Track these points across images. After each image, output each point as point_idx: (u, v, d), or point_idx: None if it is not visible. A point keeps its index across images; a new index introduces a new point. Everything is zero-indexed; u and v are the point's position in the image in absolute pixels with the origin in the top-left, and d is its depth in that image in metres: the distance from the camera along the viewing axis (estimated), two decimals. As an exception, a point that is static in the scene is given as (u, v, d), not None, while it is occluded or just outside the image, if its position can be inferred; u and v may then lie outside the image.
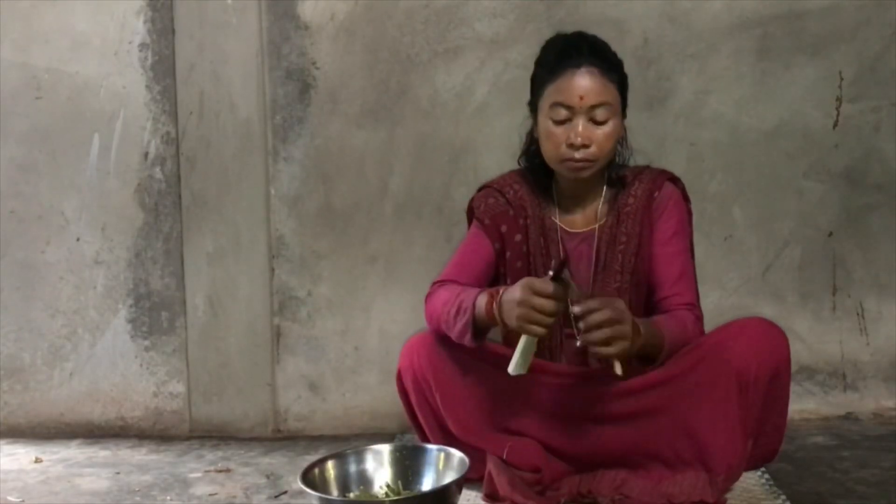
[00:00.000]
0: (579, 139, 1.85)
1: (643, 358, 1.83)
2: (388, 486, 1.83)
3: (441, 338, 1.95)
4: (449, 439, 1.94)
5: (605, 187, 2.00)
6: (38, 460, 2.45)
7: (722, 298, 2.54)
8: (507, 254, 2.00)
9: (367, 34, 2.62)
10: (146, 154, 2.69)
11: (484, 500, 1.89)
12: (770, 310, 2.47)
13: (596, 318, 1.67)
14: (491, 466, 1.89)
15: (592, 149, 1.87)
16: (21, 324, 2.74)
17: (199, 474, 2.29)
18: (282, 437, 2.63)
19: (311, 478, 1.75)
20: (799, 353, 2.51)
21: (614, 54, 1.94)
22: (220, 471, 2.31)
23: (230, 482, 2.22)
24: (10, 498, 2.13)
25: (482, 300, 1.80)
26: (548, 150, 1.92)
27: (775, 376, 1.82)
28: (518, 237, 2.00)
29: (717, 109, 2.57)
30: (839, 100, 2.55)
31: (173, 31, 2.63)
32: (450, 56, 2.60)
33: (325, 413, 2.67)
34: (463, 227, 2.59)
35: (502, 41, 2.58)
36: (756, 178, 2.57)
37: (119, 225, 2.70)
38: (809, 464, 2.15)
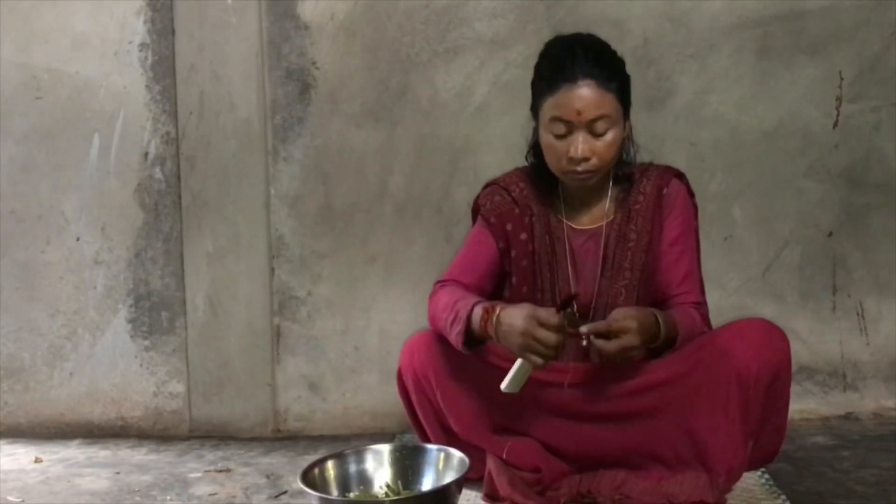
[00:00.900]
0: (580, 154, 1.84)
1: (652, 349, 1.84)
2: (387, 486, 1.83)
3: (441, 337, 1.95)
4: (450, 438, 1.94)
5: (611, 185, 1.99)
6: (38, 460, 2.45)
7: (722, 298, 2.54)
8: (513, 252, 1.99)
9: (367, 34, 2.62)
10: (146, 154, 2.69)
11: (484, 499, 1.90)
12: (770, 310, 2.47)
13: (608, 348, 1.73)
14: (491, 466, 1.89)
15: (594, 160, 1.85)
16: (21, 324, 2.74)
17: (199, 474, 2.29)
18: (282, 437, 2.63)
19: (311, 478, 1.74)
20: (799, 353, 2.51)
21: (612, 57, 1.90)
22: (220, 471, 2.31)
23: (230, 482, 2.22)
24: (10, 498, 2.13)
25: (477, 313, 1.79)
26: (550, 162, 1.91)
27: (776, 377, 1.82)
28: (524, 235, 1.99)
29: (717, 109, 2.57)
30: (839, 100, 2.55)
31: (173, 31, 2.64)
32: (450, 56, 2.60)
33: (325, 413, 2.67)
34: (463, 227, 2.59)
35: (502, 41, 2.58)
36: (756, 178, 2.57)
37: (119, 225, 2.70)
38: (809, 464, 2.16)
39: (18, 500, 2.13)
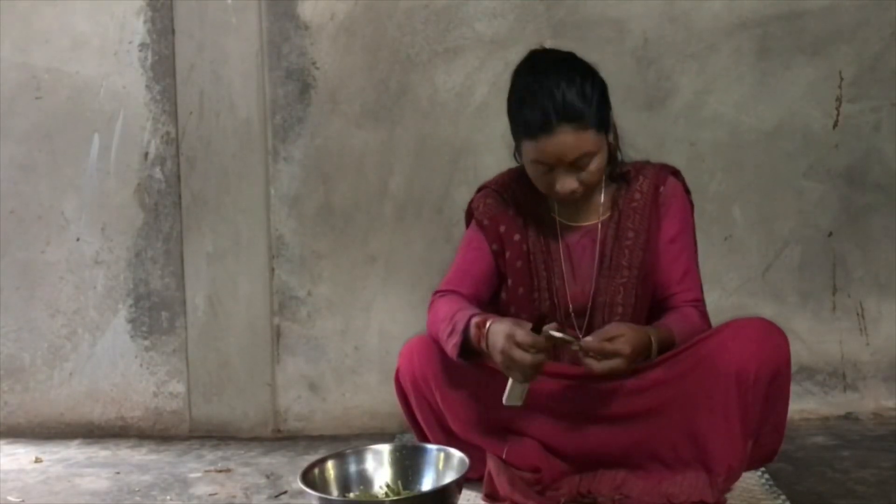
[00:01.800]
0: (566, 189, 1.85)
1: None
2: (387, 486, 1.83)
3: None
4: (449, 439, 1.94)
5: (604, 182, 1.99)
6: (38, 460, 2.45)
7: (722, 298, 2.54)
8: (507, 254, 1.99)
9: (367, 34, 2.62)
10: (146, 154, 2.69)
11: (484, 499, 1.89)
12: (770, 310, 2.47)
13: (595, 368, 1.73)
14: (491, 466, 1.89)
15: (580, 189, 1.86)
16: (21, 324, 2.74)
17: (199, 474, 2.29)
18: (282, 437, 2.63)
19: (311, 478, 1.74)
20: (799, 353, 2.51)
21: (585, 85, 1.83)
22: (220, 471, 2.31)
23: (230, 482, 2.22)
24: (10, 498, 2.13)
25: (473, 327, 1.79)
26: (537, 186, 1.91)
27: (775, 376, 1.81)
28: (517, 236, 1.99)
29: (717, 109, 2.57)
30: (839, 100, 2.55)
31: (173, 31, 2.63)
32: (450, 56, 2.60)
33: (325, 413, 2.67)
34: (463, 228, 2.59)
35: (502, 41, 2.58)
36: (756, 178, 2.57)
37: (119, 225, 2.70)
38: (809, 464, 2.15)
39: (18, 500, 2.13)
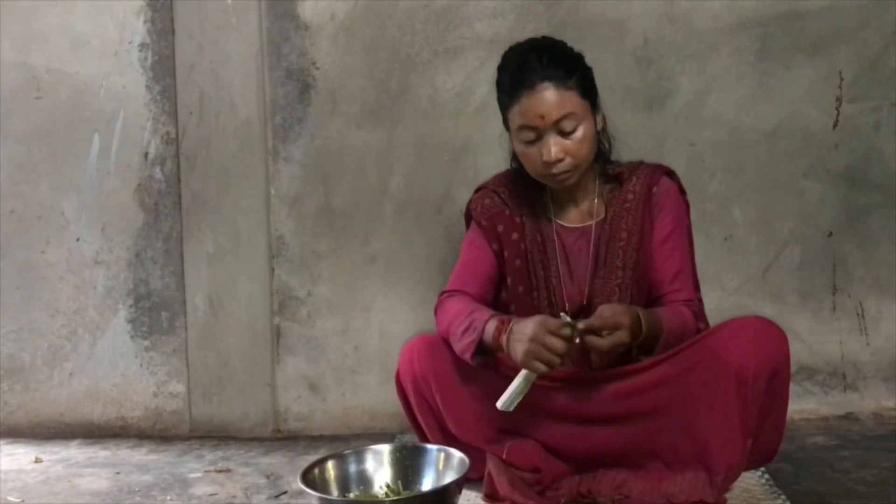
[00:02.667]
0: (552, 156, 1.85)
1: (641, 347, 1.84)
2: (387, 486, 1.83)
3: (438, 340, 1.95)
4: (449, 440, 1.94)
5: (598, 183, 2.00)
6: (38, 460, 2.45)
7: (722, 298, 2.54)
8: (506, 253, 2.00)
9: (367, 34, 2.62)
10: (146, 154, 2.69)
11: (484, 500, 1.90)
12: (770, 310, 2.47)
13: (602, 344, 1.74)
14: (491, 466, 1.89)
15: (568, 160, 1.87)
16: (21, 324, 2.74)
17: (199, 474, 2.29)
18: (282, 437, 2.63)
19: (311, 478, 1.74)
20: (799, 353, 2.51)
21: (568, 54, 1.91)
22: (220, 471, 2.31)
23: (230, 482, 2.22)
24: (10, 498, 2.13)
25: (492, 325, 1.80)
26: (527, 167, 1.93)
27: (774, 375, 1.82)
28: (515, 235, 2.00)
29: (717, 109, 2.56)
30: (839, 100, 2.55)
31: (173, 31, 2.63)
32: (450, 56, 2.60)
33: (325, 413, 2.67)
34: (463, 228, 2.59)
35: (502, 41, 2.56)
36: (756, 178, 2.57)
37: (119, 225, 2.70)
38: (809, 464, 2.15)
39: (18, 500, 2.13)
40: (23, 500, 2.12)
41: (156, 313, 2.70)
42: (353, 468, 1.83)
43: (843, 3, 2.52)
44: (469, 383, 1.92)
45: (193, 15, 2.61)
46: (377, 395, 2.63)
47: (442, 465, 1.80)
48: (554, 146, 1.85)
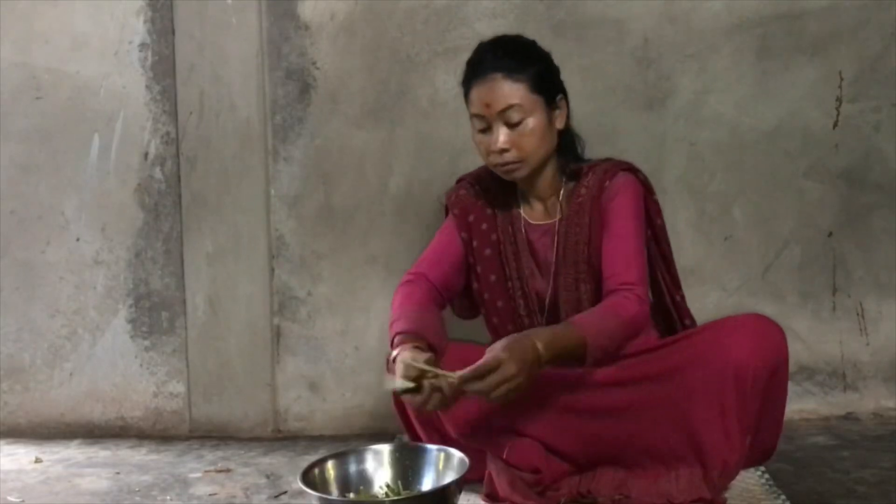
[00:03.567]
0: (497, 145, 1.89)
1: (574, 359, 1.78)
2: (387, 486, 1.82)
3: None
4: (446, 443, 1.94)
5: (563, 181, 2.01)
6: (38, 460, 2.45)
7: (722, 298, 2.54)
8: (475, 242, 2.04)
9: (367, 34, 2.62)
10: (146, 154, 2.69)
11: (484, 500, 1.90)
12: (770, 310, 2.45)
13: (484, 387, 1.66)
14: (491, 467, 1.89)
15: (513, 152, 1.89)
16: (21, 324, 2.74)
17: (199, 474, 2.29)
18: (282, 437, 2.63)
19: (311, 478, 1.74)
20: (799, 353, 2.51)
21: (527, 49, 1.95)
22: (220, 471, 2.31)
23: (230, 482, 2.22)
24: (10, 498, 2.13)
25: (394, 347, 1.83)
26: (481, 157, 1.97)
27: (773, 372, 1.81)
28: (485, 226, 2.04)
29: (717, 109, 2.56)
30: (839, 100, 2.55)
31: (173, 31, 2.63)
32: (450, 56, 2.60)
33: (325, 413, 2.67)
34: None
35: (502, 41, 2.58)
36: (756, 178, 2.57)
37: (119, 225, 2.70)
38: (809, 464, 2.15)
39: (18, 500, 2.13)
40: (23, 500, 2.12)
41: (156, 313, 2.70)
42: (353, 468, 1.83)
43: (843, 3, 2.52)
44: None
45: (193, 15, 2.61)
46: (377, 395, 2.62)
47: (442, 465, 1.80)
48: (501, 135, 1.89)
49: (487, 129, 1.90)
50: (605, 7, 2.55)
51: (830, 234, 2.57)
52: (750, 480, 1.96)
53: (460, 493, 1.73)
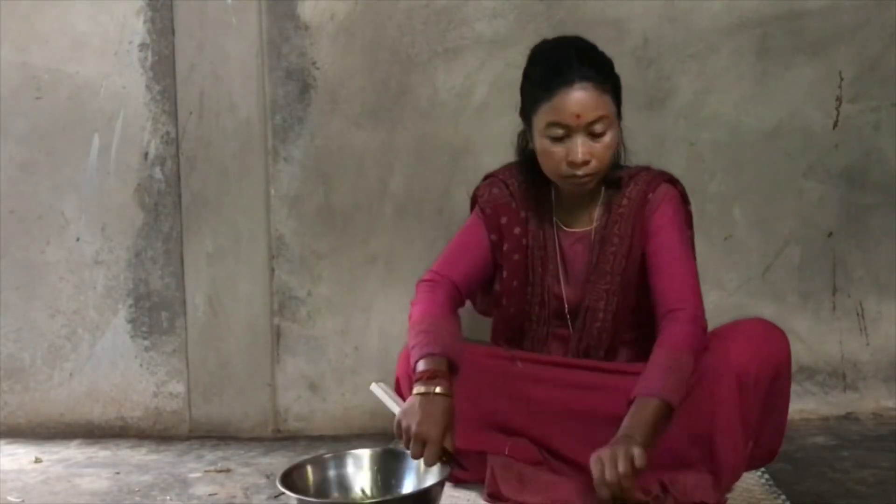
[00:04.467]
0: (580, 158, 1.82)
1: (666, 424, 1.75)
2: (363, 491, 1.80)
3: None
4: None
5: (602, 188, 1.98)
6: (38, 460, 2.45)
7: (722, 298, 2.54)
8: (505, 246, 2.00)
9: (367, 34, 2.62)
10: (146, 154, 2.69)
11: (486, 500, 1.89)
12: (770, 310, 2.47)
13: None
14: (495, 466, 1.89)
15: (593, 163, 1.84)
16: (21, 324, 2.74)
17: (199, 474, 2.29)
18: (282, 437, 2.63)
19: (290, 482, 1.73)
20: (799, 353, 2.51)
21: (603, 57, 1.90)
22: (220, 471, 2.31)
23: (230, 482, 2.22)
24: (10, 498, 2.13)
25: (418, 374, 1.80)
26: (547, 168, 1.89)
27: (776, 377, 1.82)
28: (517, 229, 1.99)
29: (717, 109, 2.56)
30: (839, 100, 2.55)
31: (173, 31, 2.63)
32: (450, 56, 2.60)
33: (325, 413, 2.67)
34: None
35: (502, 41, 2.58)
36: (756, 178, 2.57)
37: (119, 225, 2.70)
38: (809, 464, 2.15)
39: (18, 500, 2.13)
40: (23, 500, 2.12)
41: (156, 313, 2.70)
42: (332, 472, 1.81)
43: (843, 3, 2.52)
44: (464, 387, 1.90)
45: (193, 15, 2.61)
46: (377, 395, 2.62)
47: (423, 470, 1.78)
48: (582, 146, 1.82)
49: (563, 139, 1.83)
50: (604, 7, 2.55)
51: (830, 235, 2.57)
52: (750, 481, 1.96)
53: (440, 496, 1.71)
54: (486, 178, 2.08)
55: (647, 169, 2.00)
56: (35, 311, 2.73)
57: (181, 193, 2.66)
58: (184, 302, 2.67)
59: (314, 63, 2.64)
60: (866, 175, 2.56)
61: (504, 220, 2.00)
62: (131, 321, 2.71)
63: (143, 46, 2.66)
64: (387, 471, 1.82)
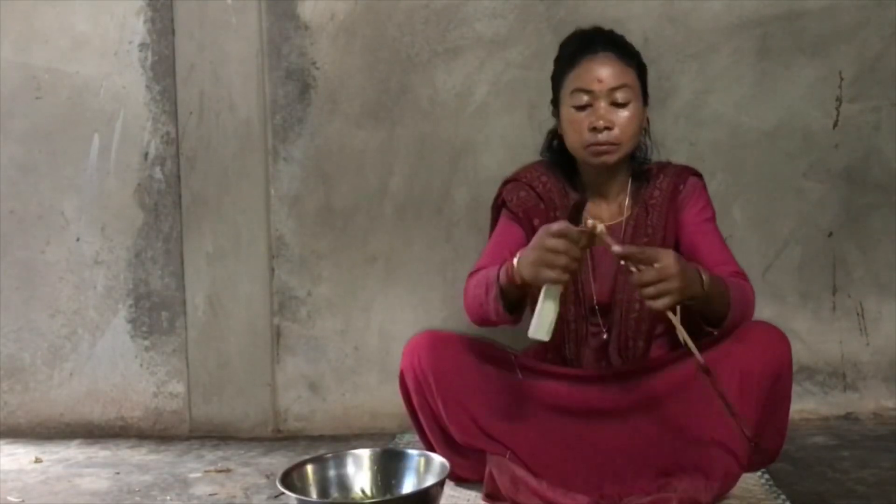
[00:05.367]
0: (601, 122, 1.88)
1: (707, 319, 1.79)
2: (363, 491, 1.81)
3: (443, 338, 1.95)
4: (448, 441, 1.94)
5: (630, 180, 2.01)
6: (38, 460, 2.45)
7: (722, 298, 2.54)
8: None
9: (367, 34, 2.62)
10: (146, 154, 2.69)
11: (484, 499, 1.89)
12: (770, 310, 2.47)
13: (644, 278, 1.62)
14: (492, 466, 1.89)
15: (615, 131, 1.89)
16: (21, 324, 2.74)
17: (199, 474, 2.29)
18: (282, 437, 2.63)
19: (290, 481, 1.74)
20: (799, 353, 2.50)
21: (631, 45, 1.99)
22: (220, 471, 2.31)
23: (230, 482, 2.22)
24: (10, 498, 2.13)
25: (503, 270, 1.77)
26: (571, 137, 1.94)
27: (777, 380, 1.82)
28: None
29: (717, 109, 2.57)
30: (839, 100, 2.55)
31: (173, 31, 2.63)
32: (450, 56, 2.60)
33: (325, 413, 2.67)
34: (463, 227, 2.60)
35: (502, 41, 2.58)
36: (756, 178, 2.57)
37: (119, 225, 2.70)
38: (809, 464, 2.15)
39: (18, 500, 2.13)
40: (23, 500, 2.12)
41: (156, 313, 2.70)
42: (332, 472, 1.81)
43: (843, 3, 2.52)
44: (470, 384, 1.91)
45: (193, 15, 2.61)
46: (377, 395, 2.63)
47: (423, 470, 1.78)
48: (605, 111, 1.88)
49: (587, 107, 1.89)
50: (605, 7, 2.55)
51: (830, 234, 2.57)
52: (750, 481, 1.96)
53: (440, 497, 1.71)
54: (507, 182, 2.08)
55: (670, 163, 2.07)
56: (35, 311, 2.73)
57: (181, 193, 2.66)
58: (184, 302, 2.67)
59: (314, 63, 2.64)
60: (866, 175, 2.56)
61: (536, 221, 1.99)
62: (131, 321, 2.71)
63: (143, 46, 2.66)
64: (387, 471, 1.82)
